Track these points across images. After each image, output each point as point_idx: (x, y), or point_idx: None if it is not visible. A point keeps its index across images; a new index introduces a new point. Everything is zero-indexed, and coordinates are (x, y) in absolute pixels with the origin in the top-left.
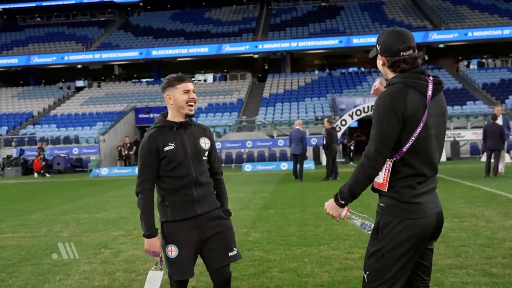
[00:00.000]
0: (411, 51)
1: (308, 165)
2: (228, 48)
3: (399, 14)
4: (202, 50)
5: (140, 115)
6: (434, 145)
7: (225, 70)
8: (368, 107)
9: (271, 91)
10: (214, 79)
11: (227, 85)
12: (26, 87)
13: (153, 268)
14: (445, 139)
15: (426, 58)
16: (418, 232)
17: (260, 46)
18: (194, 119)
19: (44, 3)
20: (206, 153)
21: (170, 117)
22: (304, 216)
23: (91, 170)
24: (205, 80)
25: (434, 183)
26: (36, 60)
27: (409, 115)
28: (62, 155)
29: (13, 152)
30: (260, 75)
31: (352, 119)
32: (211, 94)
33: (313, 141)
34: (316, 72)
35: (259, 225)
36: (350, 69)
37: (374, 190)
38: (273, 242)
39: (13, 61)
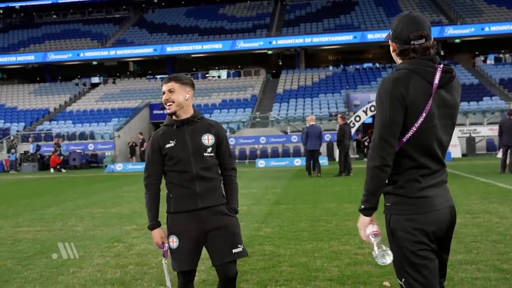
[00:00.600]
0: (422, 40)
1: (322, 161)
2: (242, 44)
3: (414, 9)
4: (216, 46)
5: (155, 111)
6: (438, 138)
7: (239, 66)
8: None
9: (285, 87)
10: (228, 75)
11: (241, 81)
12: (43, 83)
13: (164, 260)
14: (461, 135)
15: (442, 53)
16: (430, 227)
17: (274, 42)
18: (208, 115)
19: (60, 0)
20: (209, 149)
21: (175, 116)
22: (315, 212)
23: (106, 166)
24: (219, 76)
25: (443, 177)
26: (52, 57)
27: (410, 102)
28: (77, 150)
29: (30, 147)
30: (274, 71)
31: (366, 115)
32: (225, 90)
33: (327, 137)
34: (331, 68)
35: (270, 220)
36: (365, 65)
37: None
38: (284, 237)
39: (29, 58)
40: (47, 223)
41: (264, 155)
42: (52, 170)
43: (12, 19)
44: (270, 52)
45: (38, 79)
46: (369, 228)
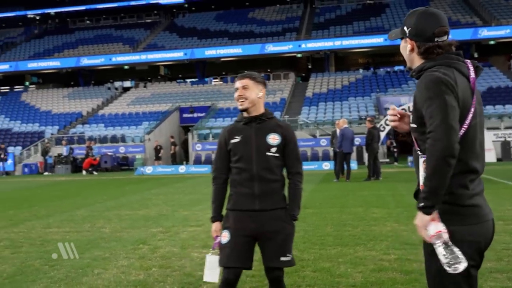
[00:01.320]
0: (445, 37)
1: (351, 165)
2: (271, 48)
3: (446, 11)
4: (245, 50)
5: (184, 115)
6: (479, 137)
7: (269, 70)
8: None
9: (314, 90)
10: None
11: (270, 84)
12: (76, 87)
13: (210, 252)
14: (496, 139)
15: (476, 55)
16: (479, 240)
17: (303, 46)
18: (235, 118)
19: (93, 6)
20: (274, 149)
21: (245, 113)
22: (342, 216)
23: (136, 169)
24: None
25: (482, 184)
26: (85, 61)
27: (461, 99)
28: (109, 153)
29: (63, 150)
30: (303, 74)
31: None
32: None
33: (357, 140)
34: (361, 71)
35: (296, 225)
36: (396, 68)
37: (417, 196)
38: (308, 241)
39: (64, 63)
40: (76, 224)
41: None
42: (84, 172)
43: (47, 25)
44: (299, 55)
45: (72, 83)
46: (432, 228)
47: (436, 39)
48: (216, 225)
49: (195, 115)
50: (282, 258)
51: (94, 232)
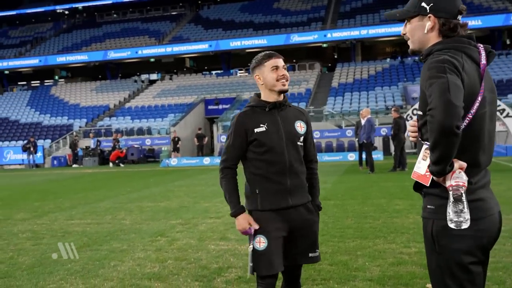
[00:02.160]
0: (460, 17)
1: (377, 155)
2: (296, 38)
3: None
4: (270, 41)
5: (210, 107)
6: (487, 127)
7: (294, 60)
8: None
9: (340, 81)
10: None
11: (295, 75)
12: (104, 81)
13: (251, 246)
14: None
15: (508, 42)
16: (482, 235)
17: (329, 35)
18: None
19: (120, 0)
20: (302, 138)
21: (263, 98)
22: (364, 208)
23: (161, 160)
24: None
25: (488, 176)
26: (112, 55)
27: (467, 85)
28: (135, 146)
29: (91, 143)
30: (329, 65)
31: None
32: None
33: (383, 131)
34: (388, 60)
35: None
36: None
37: (416, 188)
38: (327, 234)
39: (91, 56)
40: (97, 216)
41: (318, 149)
42: (111, 164)
43: (75, 19)
44: (325, 45)
45: (100, 76)
46: (454, 177)
47: (458, 17)
48: (245, 217)
49: (220, 106)
50: (311, 254)
51: (115, 224)
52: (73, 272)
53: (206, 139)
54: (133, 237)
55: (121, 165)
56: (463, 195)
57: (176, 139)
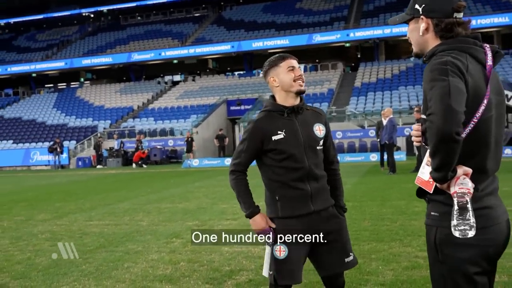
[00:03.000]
0: (462, 14)
1: (400, 156)
2: (319, 38)
3: None
4: (292, 41)
5: (232, 107)
6: (494, 131)
7: (317, 60)
8: None
9: (363, 80)
10: (305, 70)
11: (317, 75)
12: (128, 83)
13: (269, 248)
14: None
15: None
16: (488, 244)
17: (351, 35)
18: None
19: (144, 3)
20: (321, 142)
21: (279, 101)
22: (382, 210)
23: (183, 161)
24: None
25: (496, 183)
26: (136, 57)
27: (471, 87)
28: (158, 146)
29: (114, 144)
30: (353, 64)
31: None
32: None
33: (407, 131)
34: (412, 59)
35: None
36: None
37: (420, 194)
38: None
39: (115, 58)
40: (116, 217)
41: (340, 150)
42: (134, 165)
43: (100, 22)
44: (347, 44)
45: (124, 78)
46: (458, 183)
47: (455, 15)
48: (262, 217)
49: (242, 107)
50: (347, 259)
51: (132, 225)
52: (87, 274)
53: (227, 140)
54: (149, 239)
55: (144, 166)
56: (469, 202)
57: (190, 139)
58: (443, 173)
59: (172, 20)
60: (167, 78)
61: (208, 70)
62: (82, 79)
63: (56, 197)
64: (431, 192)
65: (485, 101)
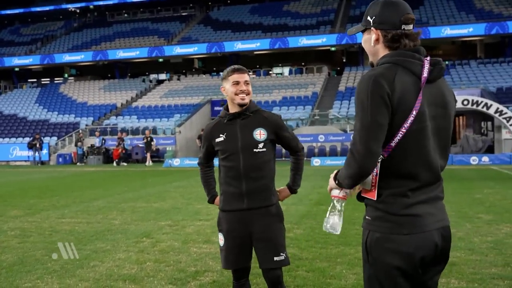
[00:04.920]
0: (411, 26)
1: None
2: (305, 41)
3: (488, 3)
4: (278, 43)
5: (216, 108)
6: (432, 142)
7: (303, 63)
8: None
9: (347, 84)
10: (290, 72)
11: (302, 78)
12: (112, 80)
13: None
14: None
15: None
16: (411, 252)
17: (337, 39)
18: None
19: (130, 0)
20: (261, 145)
21: (229, 108)
22: (354, 214)
23: (165, 160)
24: (281, 74)
25: (436, 192)
26: (121, 54)
27: (397, 100)
28: (140, 145)
29: (95, 141)
30: (338, 68)
31: None
32: (286, 88)
33: None
34: None
35: (304, 222)
36: None
37: (360, 198)
38: (312, 239)
39: (100, 55)
40: (89, 215)
41: (322, 153)
42: (115, 163)
43: (86, 18)
44: (333, 48)
45: (109, 75)
46: (335, 191)
47: (403, 27)
48: (218, 199)
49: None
50: (276, 258)
51: (104, 223)
52: (51, 272)
53: None
54: (119, 238)
55: (124, 164)
56: (340, 205)
57: (149, 139)
58: (351, 183)
59: (159, 19)
60: (152, 76)
61: (193, 70)
62: (66, 75)
63: (31, 193)
64: (375, 199)
65: (414, 113)
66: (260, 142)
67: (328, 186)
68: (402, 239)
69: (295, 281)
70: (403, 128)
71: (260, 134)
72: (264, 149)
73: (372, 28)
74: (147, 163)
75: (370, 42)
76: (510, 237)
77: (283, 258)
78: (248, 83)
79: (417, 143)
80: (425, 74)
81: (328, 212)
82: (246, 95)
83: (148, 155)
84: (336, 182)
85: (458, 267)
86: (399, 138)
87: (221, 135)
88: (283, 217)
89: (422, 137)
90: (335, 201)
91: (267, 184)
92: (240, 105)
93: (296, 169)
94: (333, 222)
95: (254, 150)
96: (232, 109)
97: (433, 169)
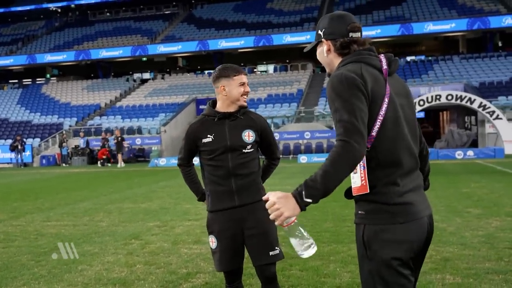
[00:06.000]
0: (359, 34)
1: None
2: (289, 38)
3: None
4: (262, 40)
5: (201, 106)
6: (407, 129)
7: (287, 61)
8: (432, 96)
9: None
10: (275, 70)
11: (287, 75)
12: (95, 80)
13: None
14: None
15: (500, 44)
16: (408, 240)
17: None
18: (252, 110)
19: None
20: (249, 146)
21: (218, 107)
22: (344, 211)
23: (151, 160)
24: (265, 71)
25: (419, 180)
26: (104, 53)
27: (371, 90)
28: (125, 145)
29: (80, 142)
30: (322, 65)
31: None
32: (271, 85)
33: None
34: None
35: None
36: (416, 58)
37: (347, 195)
38: None
39: (83, 55)
40: (75, 218)
41: (308, 150)
42: (99, 164)
43: (68, 17)
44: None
45: (92, 75)
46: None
47: (350, 34)
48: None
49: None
50: (271, 253)
51: (91, 226)
52: (38, 277)
53: None
54: (107, 240)
55: (109, 164)
56: (296, 226)
57: (120, 139)
58: (330, 187)
59: (142, 17)
60: (136, 75)
61: (178, 69)
62: (48, 75)
63: (14, 196)
64: (368, 191)
65: (386, 100)
66: (248, 144)
67: (280, 215)
68: (399, 228)
69: (289, 280)
70: (380, 116)
71: (248, 136)
72: (252, 150)
73: (323, 39)
74: (118, 165)
75: (324, 53)
76: (500, 231)
77: (278, 252)
78: (247, 84)
79: (395, 130)
80: (384, 66)
81: (296, 245)
82: (247, 95)
83: (120, 156)
84: (307, 199)
85: (452, 262)
86: (377, 127)
87: (208, 136)
88: None
89: (398, 124)
90: (294, 227)
91: (255, 179)
92: (241, 107)
93: (267, 172)
94: (304, 246)
95: (244, 150)
96: (224, 108)
97: (413, 155)
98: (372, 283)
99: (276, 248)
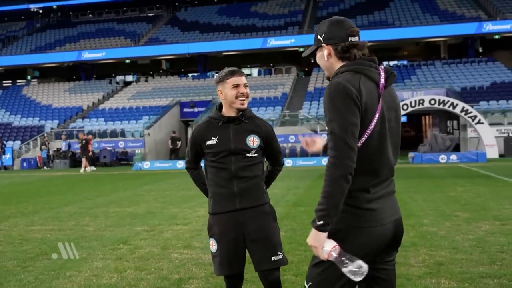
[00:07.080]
0: (357, 38)
1: None
2: (273, 42)
3: (451, 4)
4: (247, 44)
5: (185, 109)
6: (390, 142)
7: (271, 64)
8: (415, 101)
9: (316, 85)
10: (259, 73)
11: (271, 79)
12: (78, 82)
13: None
14: (499, 135)
15: (480, 50)
16: (369, 242)
17: (305, 40)
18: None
19: (95, 0)
20: (253, 151)
21: (223, 111)
22: None
23: (134, 163)
24: (250, 75)
25: (391, 187)
26: (87, 55)
27: (364, 104)
28: (108, 148)
29: (62, 145)
30: (306, 69)
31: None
32: (255, 89)
33: None
34: None
35: (285, 224)
36: (399, 62)
37: None
38: (295, 242)
39: (65, 57)
40: (60, 222)
41: (293, 154)
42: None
43: (49, 19)
44: (301, 49)
45: (74, 77)
46: (327, 244)
47: (350, 39)
48: None
49: (196, 109)
50: (274, 258)
51: (77, 230)
52: (25, 284)
53: (180, 142)
54: (94, 245)
55: (93, 168)
56: (341, 251)
57: (84, 142)
58: (338, 211)
59: (125, 19)
60: (119, 78)
61: (161, 71)
62: (29, 77)
63: None
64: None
65: (377, 115)
66: (252, 149)
67: (314, 247)
68: (362, 231)
69: (284, 285)
70: (368, 129)
71: (253, 141)
72: (256, 154)
73: (323, 44)
74: (81, 170)
75: (324, 57)
76: (490, 235)
77: (281, 257)
78: (246, 86)
79: (379, 143)
80: (382, 81)
81: (348, 267)
82: (246, 98)
83: (84, 160)
84: (319, 221)
85: (445, 266)
86: (364, 139)
87: (213, 138)
88: (276, 216)
89: (383, 138)
90: (336, 256)
91: (258, 183)
92: (239, 110)
93: (271, 178)
94: (356, 270)
95: (247, 155)
96: (228, 112)
97: (390, 166)
98: (319, 271)
99: (279, 253)
